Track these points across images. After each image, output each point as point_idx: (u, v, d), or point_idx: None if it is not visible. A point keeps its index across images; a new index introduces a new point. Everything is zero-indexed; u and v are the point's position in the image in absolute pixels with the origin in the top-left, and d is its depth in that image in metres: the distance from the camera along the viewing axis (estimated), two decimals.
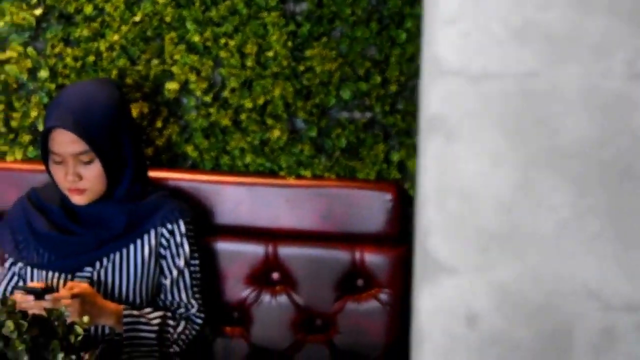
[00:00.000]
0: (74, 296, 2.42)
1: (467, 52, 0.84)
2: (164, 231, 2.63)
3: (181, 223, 2.64)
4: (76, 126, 2.49)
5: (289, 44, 2.80)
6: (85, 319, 1.93)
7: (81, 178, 2.55)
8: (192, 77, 2.84)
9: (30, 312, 2.04)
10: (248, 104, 2.82)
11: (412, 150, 2.81)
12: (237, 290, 2.80)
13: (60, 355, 1.85)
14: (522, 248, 0.86)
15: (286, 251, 2.78)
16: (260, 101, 2.82)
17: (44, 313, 2.00)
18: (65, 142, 2.52)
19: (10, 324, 1.85)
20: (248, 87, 2.84)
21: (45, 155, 2.57)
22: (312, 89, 2.82)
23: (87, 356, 1.98)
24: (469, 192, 0.84)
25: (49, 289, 2.42)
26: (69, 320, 2.00)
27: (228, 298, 2.80)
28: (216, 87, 2.86)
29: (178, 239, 2.64)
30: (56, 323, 1.91)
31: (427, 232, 0.86)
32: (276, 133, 2.82)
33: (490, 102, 0.84)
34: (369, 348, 2.77)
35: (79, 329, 1.91)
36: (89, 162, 2.54)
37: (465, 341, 0.87)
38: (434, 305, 0.87)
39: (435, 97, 0.83)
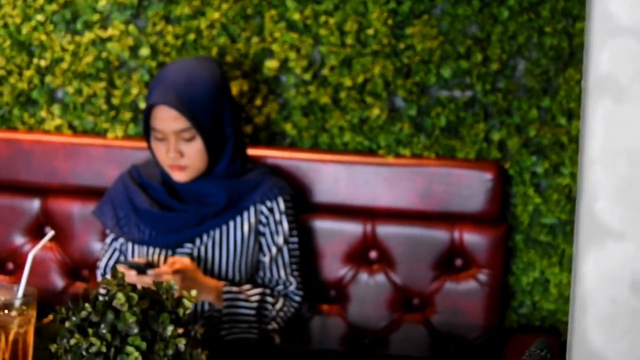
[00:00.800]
0: (175, 272, 2.44)
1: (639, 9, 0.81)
2: (263, 208, 2.63)
3: (280, 200, 2.64)
4: (178, 103, 2.51)
5: (389, 21, 2.78)
6: (193, 292, 1.93)
7: (182, 155, 2.56)
8: (292, 55, 2.83)
9: None
10: (347, 82, 2.81)
11: (512, 129, 2.78)
12: (334, 268, 2.80)
13: (170, 328, 1.86)
14: None
15: (384, 230, 2.77)
16: (360, 79, 2.81)
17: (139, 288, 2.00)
18: (167, 118, 2.53)
19: (121, 296, 1.86)
20: (348, 65, 2.83)
21: (147, 132, 2.59)
22: (412, 67, 2.80)
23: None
24: (638, 154, 0.82)
25: (151, 265, 2.44)
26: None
27: (325, 276, 2.80)
28: (316, 65, 2.85)
29: (277, 216, 2.64)
30: (165, 296, 1.92)
31: (593, 195, 0.84)
32: (375, 111, 2.81)
33: None
34: (467, 329, 2.74)
35: (187, 303, 1.91)
36: (191, 139, 2.55)
37: (630, 308, 0.84)
38: (599, 271, 0.85)
39: (605, 57, 0.81)
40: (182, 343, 1.85)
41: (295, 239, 2.68)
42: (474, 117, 2.79)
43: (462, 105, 2.79)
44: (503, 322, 2.83)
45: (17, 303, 1.96)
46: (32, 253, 1.99)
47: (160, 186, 2.65)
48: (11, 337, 1.95)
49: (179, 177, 2.60)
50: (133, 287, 1.90)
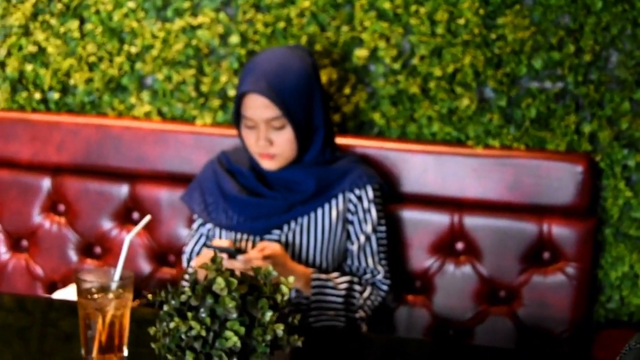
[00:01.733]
0: (265, 257, 2.45)
1: None
2: (352, 196, 2.63)
3: (369, 189, 2.64)
4: (269, 91, 2.51)
5: (481, 11, 2.76)
6: (291, 279, 1.94)
7: (272, 143, 2.57)
8: (382, 44, 2.83)
9: None
10: (437, 72, 2.80)
11: (604, 121, 2.74)
12: (420, 259, 2.79)
13: (269, 314, 1.86)
14: None
15: (472, 221, 2.76)
16: (450, 69, 2.79)
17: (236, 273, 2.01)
18: (258, 107, 2.54)
19: (220, 281, 1.87)
20: (438, 55, 2.81)
21: (237, 119, 2.61)
22: (503, 58, 2.78)
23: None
24: None
25: (240, 249, 2.44)
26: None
27: (411, 266, 2.80)
28: (405, 54, 2.84)
29: (366, 204, 2.64)
30: (263, 282, 1.93)
31: None
32: (465, 102, 2.80)
33: None
34: (554, 323, 2.72)
35: (285, 289, 1.92)
36: (281, 128, 2.56)
37: None
38: None
39: None
40: (280, 329, 1.86)
41: (383, 228, 2.67)
42: (565, 109, 2.76)
43: (553, 96, 2.77)
44: (590, 317, 2.80)
45: (114, 286, 1.98)
46: (129, 237, 2.01)
47: (249, 172, 2.66)
48: (108, 319, 1.97)
49: (268, 165, 2.61)
50: (231, 272, 1.92)
